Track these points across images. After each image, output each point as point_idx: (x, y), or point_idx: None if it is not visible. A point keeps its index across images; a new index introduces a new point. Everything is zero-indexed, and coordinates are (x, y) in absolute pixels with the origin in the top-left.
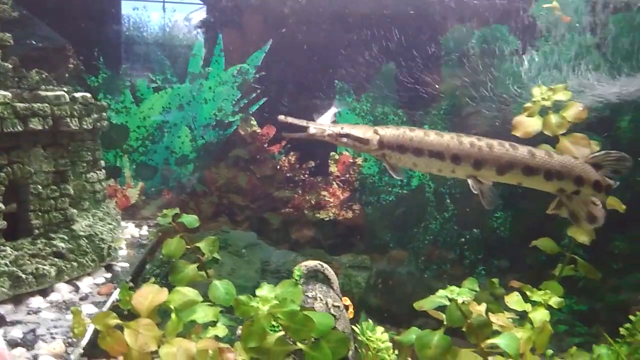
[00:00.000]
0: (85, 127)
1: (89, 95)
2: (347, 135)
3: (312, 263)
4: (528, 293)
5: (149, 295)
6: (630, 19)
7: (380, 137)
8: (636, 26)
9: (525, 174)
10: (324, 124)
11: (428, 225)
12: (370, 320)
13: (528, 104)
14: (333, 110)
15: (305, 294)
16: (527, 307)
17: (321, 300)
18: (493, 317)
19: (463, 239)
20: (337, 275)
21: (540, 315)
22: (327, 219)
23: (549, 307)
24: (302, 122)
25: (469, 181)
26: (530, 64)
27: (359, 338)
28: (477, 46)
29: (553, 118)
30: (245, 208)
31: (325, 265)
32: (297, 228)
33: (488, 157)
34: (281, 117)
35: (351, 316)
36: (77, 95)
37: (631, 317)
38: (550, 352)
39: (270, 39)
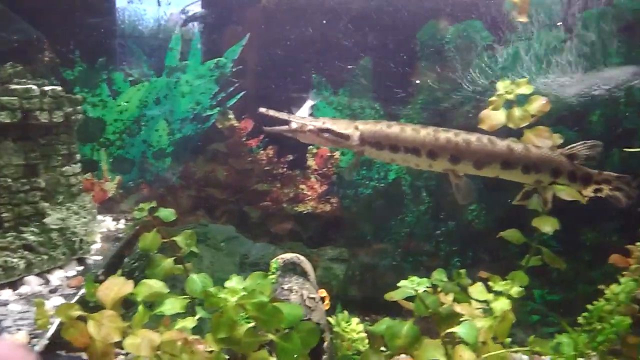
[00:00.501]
0: (56, 120)
1: (59, 88)
2: (328, 131)
3: (288, 256)
4: (490, 283)
5: (114, 287)
6: (601, 15)
7: (360, 133)
8: (606, 21)
9: (503, 167)
10: (305, 118)
11: (405, 218)
12: (345, 312)
13: (493, 98)
14: (309, 103)
15: (281, 286)
16: (490, 297)
17: (297, 292)
18: (458, 307)
19: (439, 231)
20: (316, 268)
21: (501, 305)
22: (306, 212)
23: (522, 298)
24: (284, 116)
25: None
26: (503, 59)
27: (335, 329)
28: (452, 41)
29: (517, 111)
30: (223, 202)
31: (301, 257)
32: (276, 221)
33: (465, 152)
34: (262, 110)
35: (327, 308)
36: (47, 88)
37: (588, 307)
38: (508, 340)
39: (248, 33)
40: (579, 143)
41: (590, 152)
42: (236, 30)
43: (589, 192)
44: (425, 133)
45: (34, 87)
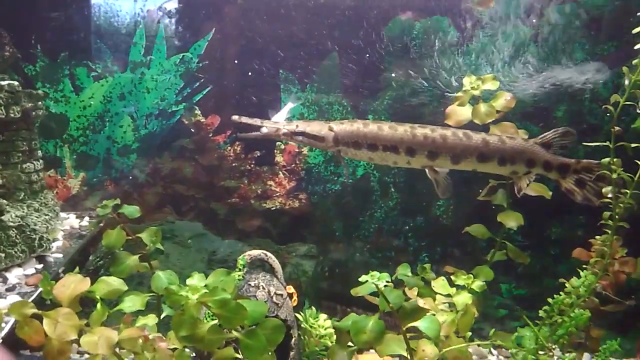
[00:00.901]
0: (13, 115)
1: (16, 83)
2: (302, 134)
3: (255, 252)
4: (452, 277)
5: (71, 284)
6: (565, 11)
7: (335, 134)
8: (571, 17)
9: (480, 160)
10: (278, 122)
11: (373, 214)
12: (313, 308)
13: (459, 94)
14: (289, 105)
15: (248, 282)
16: (452, 291)
17: (263, 288)
18: (421, 302)
19: (407, 227)
20: (286, 264)
21: (462, 299)
22: (274, 208)
23: (489, 293)
24: (257, 122)
25: (427, 170)
26: (469, 55)
27: (303, 325)
28: (419, 37)
29: (482, 107)
30: (190, 198)
31: (269, 254)
32: (244, 218)
33: (442, 147)
34: (235, 118)
35: (295, 304)
36: (3, 83)
37: (549, 300)
38: (469, 334)
39: (214, 28)
40: (550, 131)
41: (563, 140)
42: (211, 27)
43: (569, 183)
44: (403, 130)
45: None
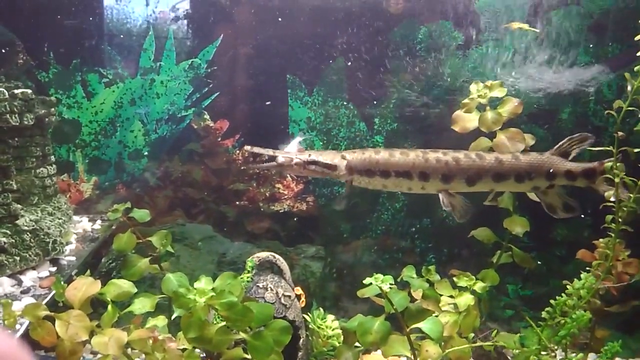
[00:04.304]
0: (26, 123)
1: (29, 91)
2: (314, 163)
3: (264, 254)
4: (455, 279)
5: (82, 287)
6: (569, 13)
7: (348, 162)
8: (574, 20)
9: (496, 180)
10: (290, 153)
11: (380, 216)
12: (321, 309)
13: (466, 100)
14: (298, 139)
15: (257, 284)
16: (456, 292)
17: (272, 290)
18: (425, 303)
19: (414, 228)
20: (294, 266)
21: (465, 300)
22: (282, 210)
23: (496, 293)
24: (269, 152)
25: (440, 196)
26: (473, 58)
27: (311, 326)
28: (424, 41)
29: (489, 115)
30: (200, 201)
31: (277, 256)
32: (253, 220)
33: (455, 170)
34: (247, 148)
35: (303, 305)
36: (17, 91)
37: (551, 302)
38: (472, 335)
39: (222, 33)
40: (565, 139)
41: (582, 145)
42: (219, 32)
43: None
44: (414, 155)
45: (4, 90)
